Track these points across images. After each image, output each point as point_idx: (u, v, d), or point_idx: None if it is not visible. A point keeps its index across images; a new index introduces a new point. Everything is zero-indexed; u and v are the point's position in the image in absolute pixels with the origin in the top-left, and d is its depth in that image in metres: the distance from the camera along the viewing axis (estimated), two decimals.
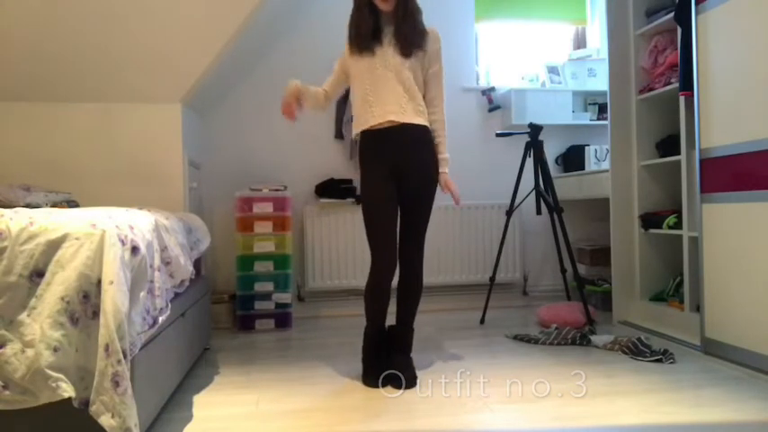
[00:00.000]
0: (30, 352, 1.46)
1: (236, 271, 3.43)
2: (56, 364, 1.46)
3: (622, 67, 3.32)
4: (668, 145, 3.15)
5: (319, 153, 3.91)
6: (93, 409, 1.46)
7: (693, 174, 2.72)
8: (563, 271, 3.63)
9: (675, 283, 3.13)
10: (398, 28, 2.29)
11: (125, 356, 1.50)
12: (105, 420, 1.45)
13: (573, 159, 4.03)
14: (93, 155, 3.01)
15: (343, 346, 2.92)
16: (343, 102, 3.86)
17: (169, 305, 1.96)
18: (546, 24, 4.35)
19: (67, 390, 1.46)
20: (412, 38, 2.29)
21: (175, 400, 2.14)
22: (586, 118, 4.11)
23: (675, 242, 3.14)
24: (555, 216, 3.46)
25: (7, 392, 1.46)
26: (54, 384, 1.45)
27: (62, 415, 1.51)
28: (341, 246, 3.78)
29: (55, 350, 1.46)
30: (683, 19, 2.72)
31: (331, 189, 3.77)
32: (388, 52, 2.31)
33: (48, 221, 1.57)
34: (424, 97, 2.37)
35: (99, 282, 1.52)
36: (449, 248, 3.91)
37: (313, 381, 2.36)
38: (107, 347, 1.47)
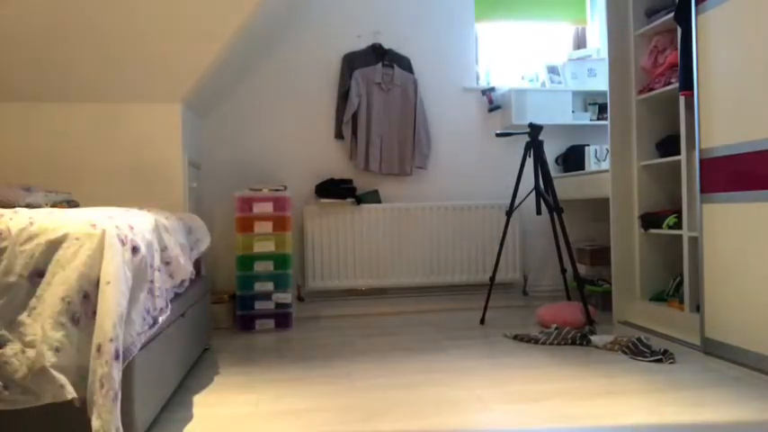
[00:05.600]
0: (31, 352, 1.46)
1: (236, 271, 3.43)
2: (57, 364, 1.46)
3: (622, 67, 3.32)
4: (668, 145, 3.15)
5: (319, 153, 3.91)
6: (88, 408, 1.47)
7: (693, 174, 2.73)
8: (563, 271, 3.63)
9: (675, 283, 3.13)
10: None
11: (117, 358, 1.49)
12: (93, 421, 1.46)
13: (573, 159, 4.03)
14: (94, 155, 3.01)
15: (343, 346, 2.92)
16: (343, 101, 3.86)
17: (169, 305, 1.96)
18: (546, 24, 4.35)
19: (69, 390, 1.46)
20: None
21: (176, 400, 2.14)
22: (586, 118, 4.11)
23: (675, 242, 3.14)
24: (555, 216, 3.46)
25: (7, 393, 1.46)
26: (56, 384, 1.45)
27: (62, 415, 1.51)
28: (341, 246, 3.78)
29: (56, 350, 1.46)
30: (683, 19, 2.73)
31: (331, 189, 3.77)
32: None
33: (48, 221, 1.57)
34: None
35: (99, 282, 1.52)
36: (449, 248, 3.91)
37: (313, 381, 2.36)
38: (99, 348, 1.47)
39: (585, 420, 1.88)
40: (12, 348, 1.47)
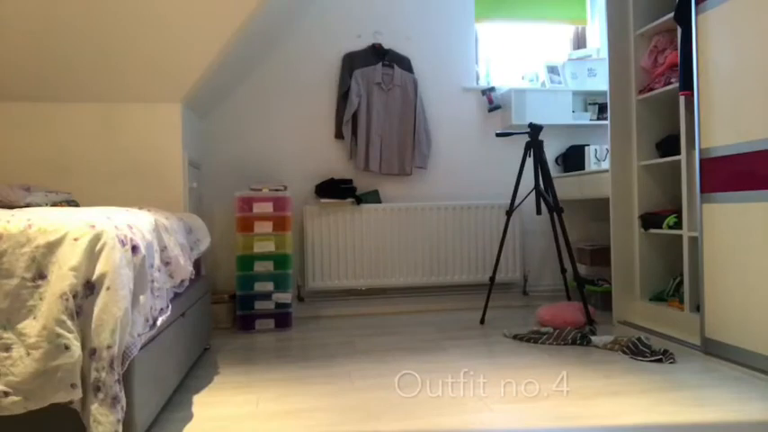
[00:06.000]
0: (34, 354, 1.45)
1: (236, 271, 3.43)
2: (60, 365, 1.45)
3: (622, 67, 3.32)
4: (668, 145, 3.15)
5: (319, 153, 3.91)
6: (84, 413, 1.47)
7: (693, 174, 2.72)
8: (563, 271, 3.63)
9: (675, 283, 3.13)
10: None
11: (115, 364, 1.49)
12: (92, 426, 1.46)
13: (573, 159, 4.03)
14: (93, 155, 3.01)
15: (343, 346, 2.92)
16: (343, 101, 3.86)
17: (169, 305, 1.96)
18: (546, 24, 4.34)
19: (72, 392, 1.46)
20: None
21: (176, 400, 2.14)
22: (586, 118, 4.11)
23: (675, 242, 3.14)
24: (555, 216, 3.46)
25: (12, 397, 1.45)
26: (59, 386, 1.45)
27: (63, 415, 1.51)
28: (341, 246, 3.78)
29: (59, 352, 1.45)
30: (683, 19, 2.73)
31: (331, 189, 3.77)
32: None
33: (46, 222, 1.57)
34: None
35: (99, 283, 1.52)
36: (449, 248, 3.91)
37: (313, 381, 2.36)
38: (95, 353, 1.48)
39: (585, 420, 1.88)
40: (17, 351, 1.47)
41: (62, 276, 1.50)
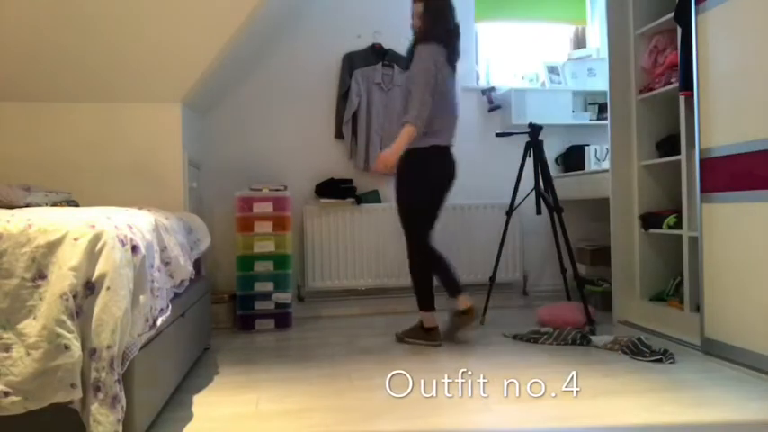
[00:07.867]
0: (34, 354, 1.45)
1: (236, 271, 3.43)
2: (60, 365, 1.45)
3: (622, 67, 3.32)
4: (668, 145, 3.15)
5: (319, 153, 3.91)
6: (83, 413, 1.47)
7: (693, 174, 2.72)
8: (563, 271, 3.63)
9: (675, 283, 3.13)
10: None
11: (115, 364, 1.49)
12: (91, 426, 1.46)
13: (573, 159, 4.03)
14: (94, 155, 3.01)
15: (343, 346, 2.92)
16: (343, 101, 3.86)
17: (169, 305, 1.96)
18: (546, 24, 4.34)
19: (72, 391, 1.46)
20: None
21: (176, 400, 2.14)
22: (586, 118, 4.11)
23: (675, 242, 3.14)
24: (555, 216, 3.46)
25: (12, 397, 1.45)
26: (59, 386, 1.45)
27: (63, 415, 1.51)
28: (341, 246, 3.78)
29: (59, 352, 1.45)
30: (683, 19, 2.73)
31: (331, 189, 3.77)
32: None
33: (46, 222, 1.57)
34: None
35: (99, 283, 1.52)
36: (449, 248, 3.90)
37: (313, 381, 2.36)
38: (93, 352, 1.48)
39: (585, 420, 1.88)
40: (17, 351, 1.47)
41: (62, 276, 1.50)
